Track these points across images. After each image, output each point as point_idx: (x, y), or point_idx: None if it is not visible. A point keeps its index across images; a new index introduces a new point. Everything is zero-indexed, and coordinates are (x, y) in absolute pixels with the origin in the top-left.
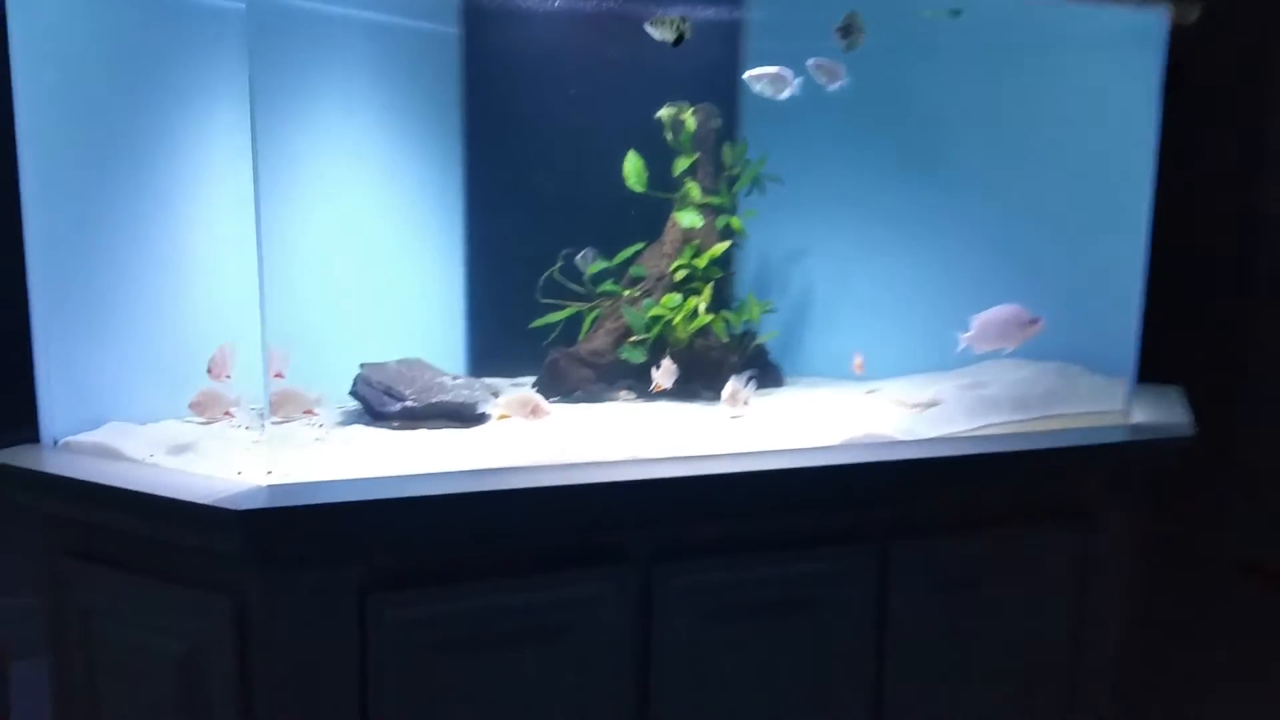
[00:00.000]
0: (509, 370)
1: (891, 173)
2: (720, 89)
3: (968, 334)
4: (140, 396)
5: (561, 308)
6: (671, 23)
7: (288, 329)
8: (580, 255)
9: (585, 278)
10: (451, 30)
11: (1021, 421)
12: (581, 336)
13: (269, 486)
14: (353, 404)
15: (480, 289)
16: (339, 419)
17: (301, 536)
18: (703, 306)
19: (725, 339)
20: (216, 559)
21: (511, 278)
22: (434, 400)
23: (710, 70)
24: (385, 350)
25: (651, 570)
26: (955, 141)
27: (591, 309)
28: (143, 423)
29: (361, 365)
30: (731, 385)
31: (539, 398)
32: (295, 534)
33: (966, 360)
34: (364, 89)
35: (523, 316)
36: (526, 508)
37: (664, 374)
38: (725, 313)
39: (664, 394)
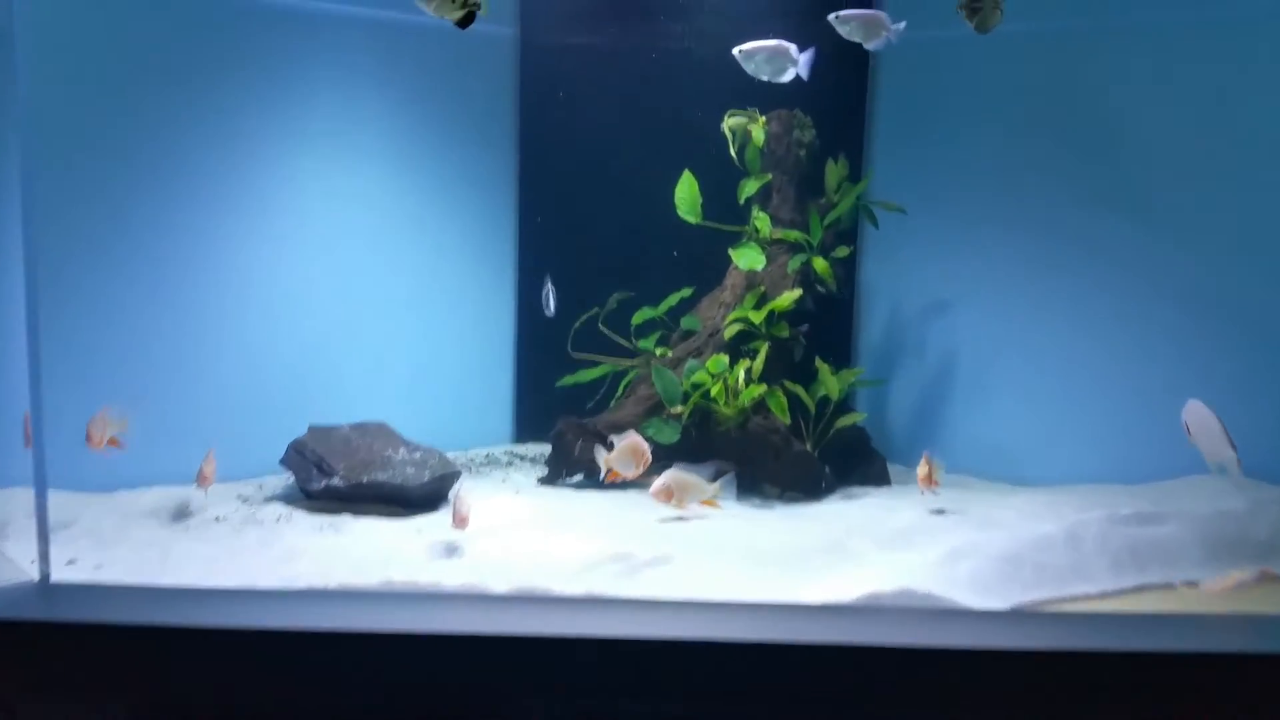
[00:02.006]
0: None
1: (1072, 205)
2: (845, 90)
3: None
4: None
5: (597, 364)
6: None
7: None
8: (546, 291)
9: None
10: (507, 30)
11: (1210, 587)
12: (612, 404)
13: (38, 585)
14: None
15: (529, 335)
16: (273, 492)
17: (56, 657)
18: (742, 375)
19: (786, 419)
20: None
21: (564, 322)
22: (365, 480)
23: (832, 66)
24: (410, 409)
25: None
26: (1169, 165)
27: (631, 367)
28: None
29: (310, 428)
30: (669, 476)
31: (461, 504)
32: (45, 653)
33: (1168, 471)
34: (393, 97)
35: (570, 369)
36: (352, 654)
37: (620, 456)
38: (790, 385)
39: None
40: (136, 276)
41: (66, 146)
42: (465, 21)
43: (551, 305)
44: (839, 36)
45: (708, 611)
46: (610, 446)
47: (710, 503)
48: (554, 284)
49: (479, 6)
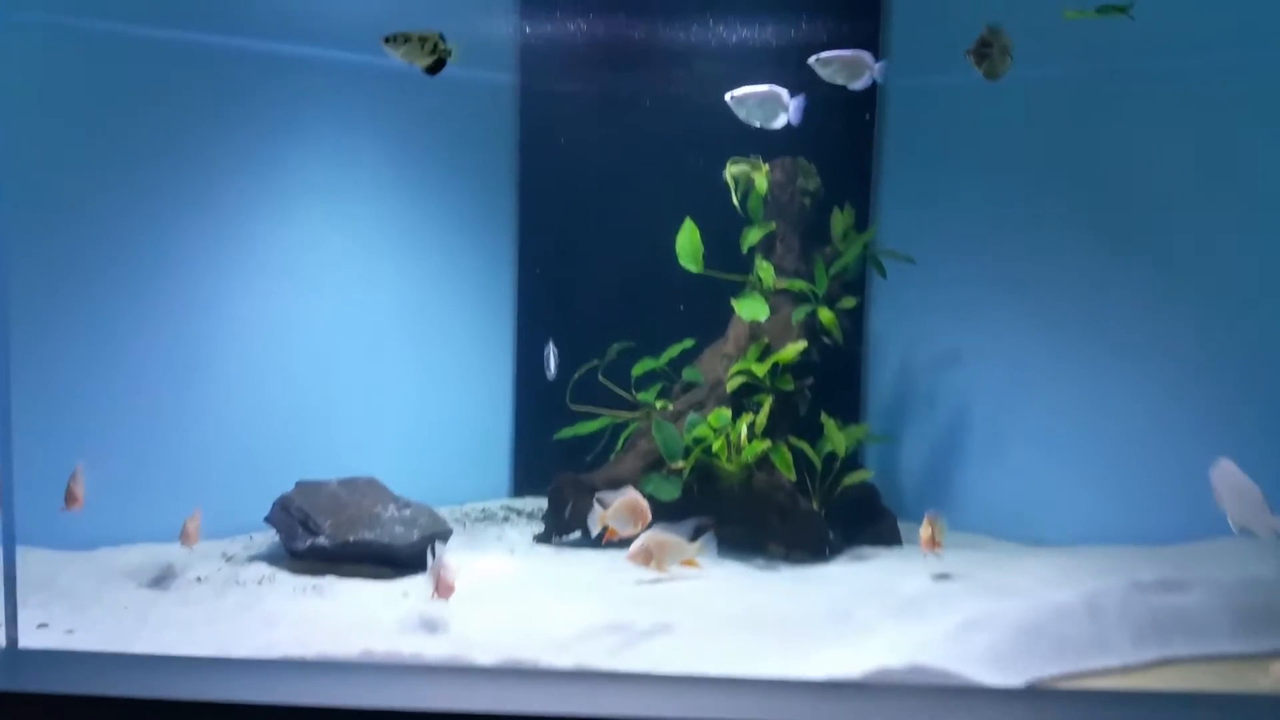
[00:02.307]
0: None
1: (1090, 252)
2: (852, 136)
3: None
4: None
5: (597, 416)
6: (424, 42)
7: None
8: (547, 353)
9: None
10: (507, 78)
11: (1242, 660)
12: (612, 458)
13: (4, 651)
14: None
15: (527, 387)
16: (259, 551)
17: None
18: (745, 429)
19: (791, 475)
20: None
21: (563, 372)
22: (352, 539)
23: (836, 114)
24: (407, 462)
25: None
26: (1186, 217)
27: (631, 420)
28: None
29: (297, 484)
30: (647, 538)
31: (445, 570)
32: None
33: (1191, 533)
34: (391, 146)
35: (570, 421)
36: None
37: (616, 513)
38: (795, 440)
39: (718, 546)
40: (124, 329)
41: (48, 199)
42: (435, 68)
43: (552, 368)
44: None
45: (702, 688)
46: (605, 504)
47: (690, 562)
48: (555, 343)
49: (449, 53)
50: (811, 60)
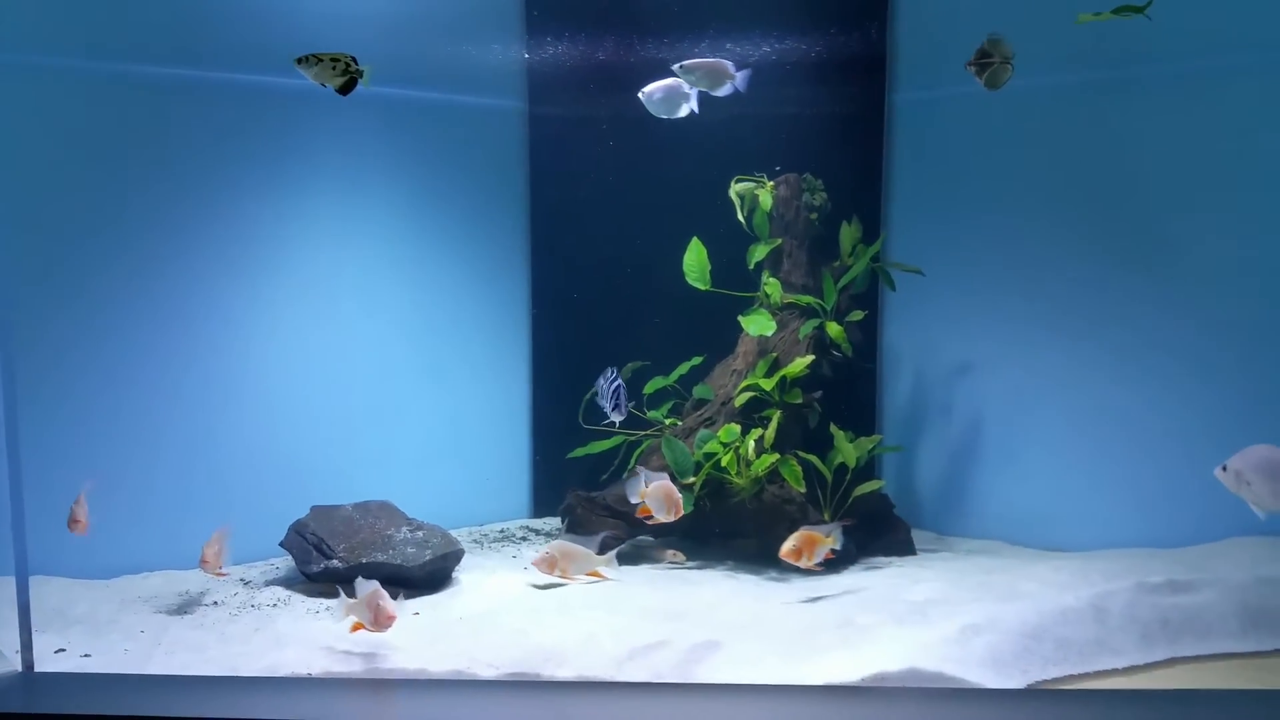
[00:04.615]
0: None
1: (1102, 261)
2: (861, 151)
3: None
4: None
5: (609, 435)
6: (335, 63)
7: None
8: (616, 388)
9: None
10: (516, 104)
11: (1252, 658)
12: (624, 475)
13: (20, 675)
14: None
15: (544, 408)
16: (277, 575)
17: None
18: (753, 444)
19: (801, 488)
20: None
21: (578, 392)
22: (365, 561)
23: (840, 130)
24: (425, 485)
25: None
26: (1198, 220)
27: (645, 437)
28: None
29: (312, 508)
30: (554, 546)
31: (383, 599)
32: None
33: (1206, 535)
34: (401, 174)
35: (585, 441)
36: None
37: (655, 495)
38: (804, 453)
39: (730, 559)
40: (147, 359)
41: (57, 228)
42: (346, 88)
43: (620, 404)
44: (861, 98)
45: (698, 695)
46: (647, 481)
47: (596, 573)
48: (616, 369)
49: (360, 74)
50: (675, 66)
